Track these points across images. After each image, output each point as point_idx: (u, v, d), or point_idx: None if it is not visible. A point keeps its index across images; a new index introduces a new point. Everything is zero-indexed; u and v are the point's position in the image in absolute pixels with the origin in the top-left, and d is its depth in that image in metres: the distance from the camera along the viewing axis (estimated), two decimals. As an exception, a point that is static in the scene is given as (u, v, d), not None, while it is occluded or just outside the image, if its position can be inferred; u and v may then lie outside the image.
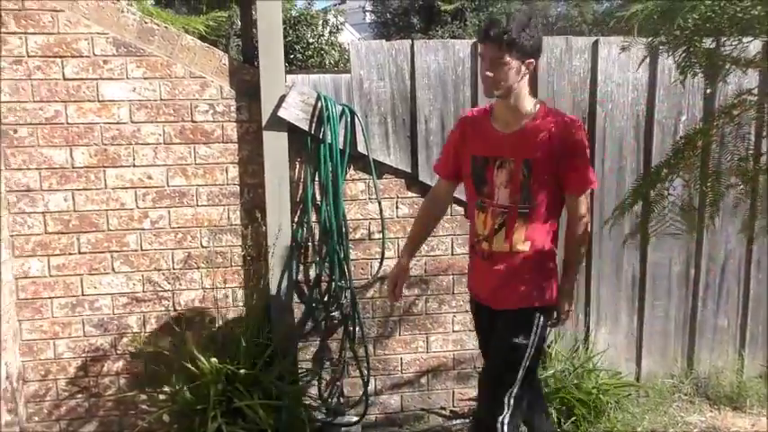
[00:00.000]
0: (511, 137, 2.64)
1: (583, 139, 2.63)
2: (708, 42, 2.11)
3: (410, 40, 3.75)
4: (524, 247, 2.67)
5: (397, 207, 3.77)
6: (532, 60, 2.55)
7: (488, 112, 2.75)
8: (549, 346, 3.89)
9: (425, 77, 3.71)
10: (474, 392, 3.92)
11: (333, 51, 12.65)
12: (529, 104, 2.64)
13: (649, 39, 2.29)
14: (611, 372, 3.98)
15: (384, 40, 3.76)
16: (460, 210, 3.83)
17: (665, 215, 2.53)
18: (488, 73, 2.54)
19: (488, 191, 2.70)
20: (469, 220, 2.86)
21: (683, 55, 1.95)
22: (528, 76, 2.59)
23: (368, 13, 31.10)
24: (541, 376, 3.70)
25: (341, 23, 13.95)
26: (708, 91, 2.75)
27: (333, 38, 13.28)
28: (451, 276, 3.90)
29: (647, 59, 3.71)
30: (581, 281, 4.01)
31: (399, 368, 3.91)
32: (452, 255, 3.88)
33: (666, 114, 3.97)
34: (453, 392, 3.97)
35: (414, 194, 3.77)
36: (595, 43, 3.84)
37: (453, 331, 3.92)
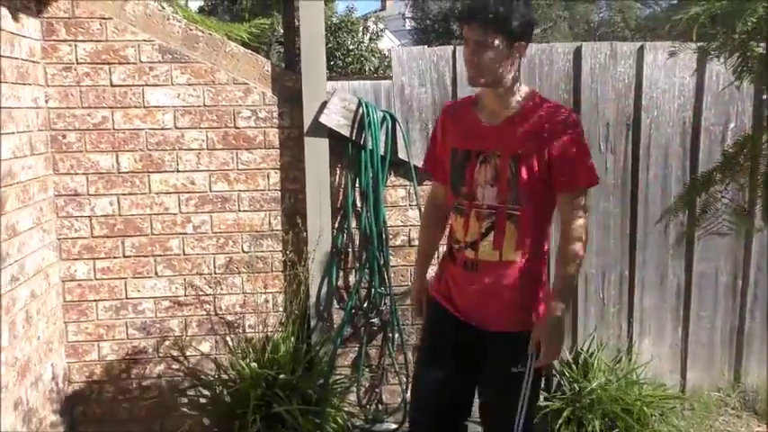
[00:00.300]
0: (497, 129, 2.30)
1: (578, 129, 2.28)
2: (763, 47, 2.06)
3: (452, 46, 3.74)
4: (516, 257, 2.31)
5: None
6: (523, 43, 2.22)
7: (473, 100, 2.41)
8: (586, 359, 3.83)
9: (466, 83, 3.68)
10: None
11: (373, 58, 12.68)
12: (520, 93, 2.31)
13: (700, 43, 2.23)
14: (656, 383, 3.89)
15: (425, 47, 3.75)
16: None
17: (717, 216, 2.43)
18: (473, 58, 2.20)
19: (467, 191, 2.34)
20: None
21: (740, 60, 1.90)
22: (518, 61, 2.27)
23: (407, 20, 31.20)
24: (585, 388, 3.64)
25: (381, 30, 13.98)
26: (765, 97, 2.65)
27: (373, 44, 13.32)
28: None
29: (696, 65, 3.64)
30: (623, 289, 3.94)
31: (438, 376, 3.88)
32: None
33: (714, 121, 3.88)
34: (493, 401, 3.92)
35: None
36: (641, 48, 3.78)
37: (493, 339, 3.88)
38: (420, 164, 3.66)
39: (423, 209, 2.82)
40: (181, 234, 3.57)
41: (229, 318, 3.66)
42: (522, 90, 2.32)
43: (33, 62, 3.20)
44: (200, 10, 12.02)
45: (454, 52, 3.68)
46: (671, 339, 4.06)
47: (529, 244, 2.32)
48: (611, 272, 3.93)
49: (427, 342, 2.58)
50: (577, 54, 3.74)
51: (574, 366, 3.82)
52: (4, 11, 2.86)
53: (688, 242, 3.92)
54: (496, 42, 2.16)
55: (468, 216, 2.34)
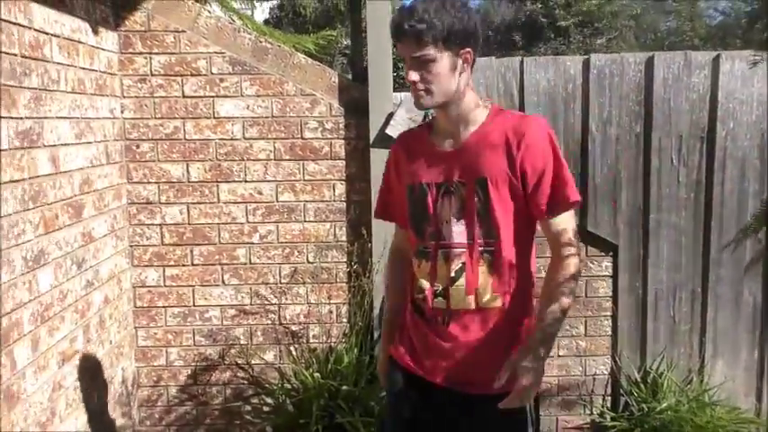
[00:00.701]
0: (457, 153, 1.95)
1: (551, 140, 1.90)
2: None
3: (519, 57, 3.70)
4: (496, 301, 1.93)
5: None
6: (469, 49, 1.89)
7: (428, 127, 2.09)
8: (655, 379, 3.71)
9: (534, 95, 3.64)
10: (580, 420, 3.79)
11: (435, 69, 12.67)
12: (476, 108, 1.95)
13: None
14: (729, 406, 3.74)
15: (493, 57, 3.72)
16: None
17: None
18: (413, 77, 1.87)
19: (432, 230, 1.97)
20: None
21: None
22: (468, 71, 1.92)
23: (469, 31, 31.13)
24: (654, 409, 3.52)
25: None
26: None
27: (435, 56, 13.29)
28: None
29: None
30: (695, 307, 3.81)
31: (502, 391, 3.83)
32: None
33: (794, 134, 3.72)
34: (557, 420, 3.84)
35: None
36: (716, 58, 3.66)
37: (558, 356, 3.80)
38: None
39: (385, 263, 2.31)
40: (247, 243, 3.62)
41: (294, 327, 3.69)
42: (479, 104, 1.97)
43: (111, 74, 3.30)
44: (266, 22, 12.23)
45: (522, 63, 3.64)
46: (746, 361, 3.90)
47: (510, 283, 1.93)
48: (682, 289, 3.80)
49: (391, 417, 2.17)
50: (649, 64, 3.65)
51: (642, 386, 3.71)
52: (85, 25, 2.96)
53: (765, 260, 3.76)
54: (434, 53, 1.84)
55: (435, 259, 1.96)
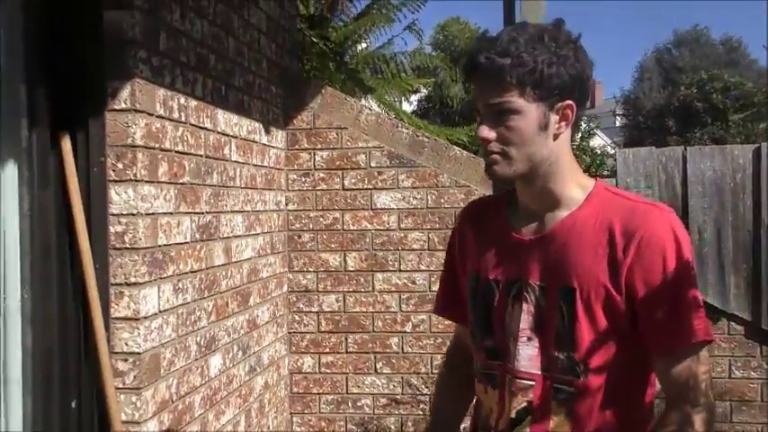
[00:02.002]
0: (538, 244, 1.37)
1: (678, 243, 1.28)
2: None
3: (682, 147, 3.59)
4: None
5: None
6: (570, 102, 1.31)
7: (506, 197, 1.49)
8: None
9: (699, 185, 3.49)
10: None
11: (584, 156, 12.51)
12: (572, 184, 1.36)
13: None
14: None
15: (653, 147, 3.63)
16: (739, 328, 3.47)
17: None
18: (485, 133, 1.31)
19: (497, 345, 1.41)
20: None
21: None
22: (568, 131, 1.35)
23: (618, 117, 30.62)
24: None
25: (593, 129, 13.81)
26: None
27: (584, 143, 13.16)
28: (729, 403, 3.50)
29: None
30: None
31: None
32: (729, 378, 3.49)
33: None
34: None
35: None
36: None
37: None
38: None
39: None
40: (400, 332, 3.65)
41: (444, 420, 3.62)
42: (579, 180, 1.38)
43: (278, 169, 3.52)
44: (413, 113, 12.65)
45: (684, 153, 3.52)
46: None
47: None
48: None
49: None
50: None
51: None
52: (259, 125, 3.21)
53: None
54: (519, 101, 1.28)
55: (504, 387, 1.40)
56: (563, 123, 1.32)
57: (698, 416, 1.27)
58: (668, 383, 1.30)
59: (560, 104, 1.30)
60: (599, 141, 17.28)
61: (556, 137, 1.32)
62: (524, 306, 1.36)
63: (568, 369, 1.31)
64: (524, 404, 1.36)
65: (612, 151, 14.09)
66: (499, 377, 1.40)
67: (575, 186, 1.36)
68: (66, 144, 2.09)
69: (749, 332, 3.48)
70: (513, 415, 1.37)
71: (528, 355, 1.35)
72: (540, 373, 1.34)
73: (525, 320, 1.36)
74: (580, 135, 13.29)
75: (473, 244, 1.49)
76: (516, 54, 1.26)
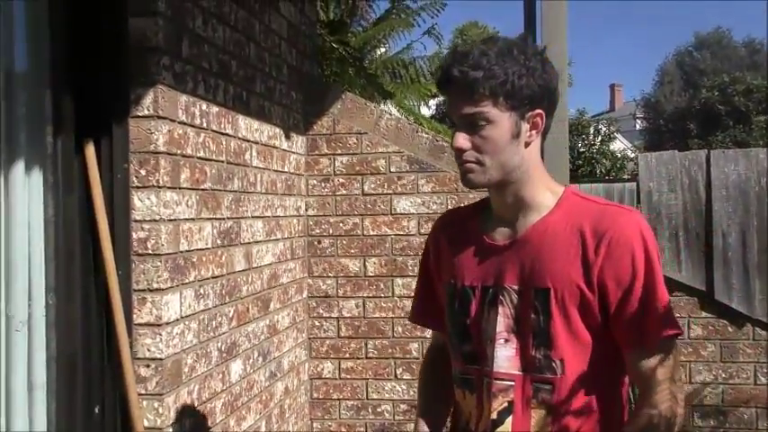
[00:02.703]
0: (513, 249, 1.42)
1: (646, 244, 1.35)
2: None
3: (705, 150, 3.56)
4: None
5: (689, 327, 3.47)
6: (540, 111, 1.39)
7: (480, 206, 1.56)
8: None
9: (723, 189, 3.45)
10: None
11: (604, 160, 12.42)
12: (543, 189, 1.43)
13: None
14: None
15: (676, 151, 3.60)
16: (764, 334, 3.42)
17: None
18: (461, 143, 1.37)
19: (475, 350, 1.45)
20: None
21: None
22: (538, 139, 1.41)
23: (638, 121, 30.41)
24: None
25: (613, 132, 13.72)
26: None
27: (604, 147, 13.07)
28: (754, 410, 3.45)
29: None
30: None
31: None
32: (755, 384, 3.44)
33: None
34: None
35: (708, 315, 3.47)
36: None
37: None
38: (669, 273, 3.44)
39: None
40: (420, 338, 3.63)
41: (465, 426, 3.60)
42: (549, 186, 1.44)
43: (298, 175, 3.53)
44: (432, 117, 12.63)
45: (708, 157, 3.48)
46: None
47: (581, 428, 1.39)
48: None
49: None
50: None
51: None
52: (279, 131, 3.22)
53: None
54: (492, 111, 1.34)
55: (481, 390, 1.44)
56: (533, 131, 1.39)
57: (664, 405, 1.33)
58: (638, 376, 1.37)
59: (531, 113, 1.37)
60: (619, 145, 17.16)
61: (527, 144, 1.39)
62: (500, 309, 1.41)
63: (546, 367, 1.37)
64: (505, 404, 1.40)
65: (633, 155, 13.98)
66: (476, 381, 1.45)
67: (545, 191, 1.43)
68: (90, 150, 2.11)
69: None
70: (494, 416, 1.41)
71: (506, 357, 1.40)
72: (519, 373, 1.39)
73: (502, 323, 1.41)
74: (600, 139, 13.21)
75: (447, 253, 1.54)
76: (488, 67, 1.33)
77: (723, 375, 3.43)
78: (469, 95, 1.35)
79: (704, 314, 3.47)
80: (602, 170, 11.98)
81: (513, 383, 1.40)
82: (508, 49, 1.36)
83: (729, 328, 3.46)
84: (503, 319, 1.41)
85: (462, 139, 1.37)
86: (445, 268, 1.54)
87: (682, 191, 3.50)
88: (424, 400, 1.65)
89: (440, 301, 1.56)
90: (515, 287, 1.40)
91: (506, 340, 1.41)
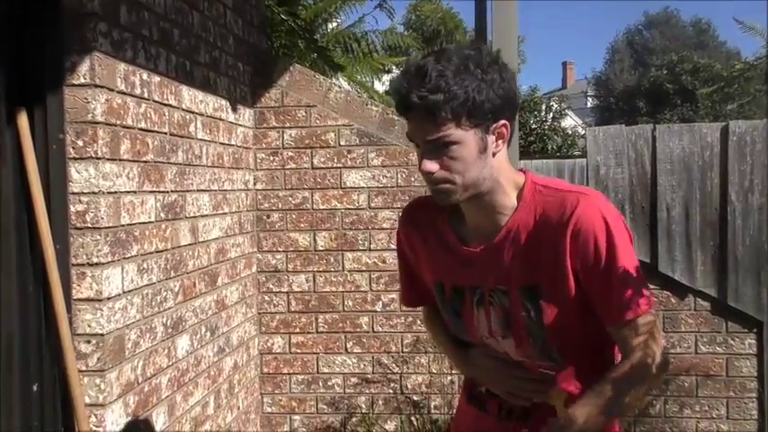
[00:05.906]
0: (489, 252, 1.45)
1: (607, 224, 1.36)
2: None
3: (651, 125, 3.61)
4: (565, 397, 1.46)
5: (634, 299, 3.55)
6: (504, 121, 1.38)
7: (444, 209, 1.52)
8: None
9: (668, 163, 3.51)
10: None
11: (555, 137, 12.56)
12: (510, 190, 1.44)
13: None
14: None
15: (623, 125, 3.64)
16: (706, 304, 3.51)
17: None
18: (429, 167, 1.35)
19: (476, 342, 1.55)
20: None
21: None
22: (504, 147, 1.41)
23: (589, 98, 30.81)
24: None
25: (564, 109, 13.86)
26: None
27: (555, 123, 13.21)
28: (695, 377, 3.55)
29: None
30: None
31: (636, 477, 3.58)
32: (696, 353, 3.54)
33: None
34: None
35: (653, 286, 3.53)
36: None
37: (699, 441, 3.54)
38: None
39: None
40: (371, 311, 3.64)
41: (415, 397, 3.63)
42: (515, 180, 1.45)
43: (246, 148, 3.47)
44: (386, 93, 12.59)
45: (654, 131, 3.53)
46: None
47: (582, 380, 1.46)
48: (841, 372, 3.47)
49: None
50: (794, 130, 3.44)
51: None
52: (226, 103, 3.15)
53: None
54: (457, 133, 1.32)
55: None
56: (500, 141, 1.39)
57: (638, 355, 1.37)
58: (619, 344, 1.42)
59: (495, 125, 1.36)
60: (570, 122, 17.38)
61: (494, 154, 1.39)
62: (491, 310, 1.46)
63: (545, 356, 1.44)
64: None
65: (583, 132, 14.18)
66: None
67: (513, 191, 1.44)
68: (24, 120, 2.03)
69: (715, 308, 3.53)
70: (504, 410, 1.52)
71: (510, 345, 1.47)
72: (523, 359, 1.47)
73: (495, 322, 1.46)
74: (552, 116, 13.34)
75: (424, 252, 1.57)
76: (446, 89, 1.29)
77: (665, 345, 3.52)
78: (432, 120, 1.31)
79: (649, 285, 3.55)
80: (554, 146, 12.12)
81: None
82: (464, 65, 1.32)
83: (672, 299, 3.54)
84: (495, 319, 1.46)
85: (429, 164, 1.35)
86: (425, 266, 1.58)
87: (628, 165, 3.54)
88: (448, 337, 1.65)
89: (426, 284, 1.61)
90: (501, 287, 1.44)
91: (503, 337, 1.47)
